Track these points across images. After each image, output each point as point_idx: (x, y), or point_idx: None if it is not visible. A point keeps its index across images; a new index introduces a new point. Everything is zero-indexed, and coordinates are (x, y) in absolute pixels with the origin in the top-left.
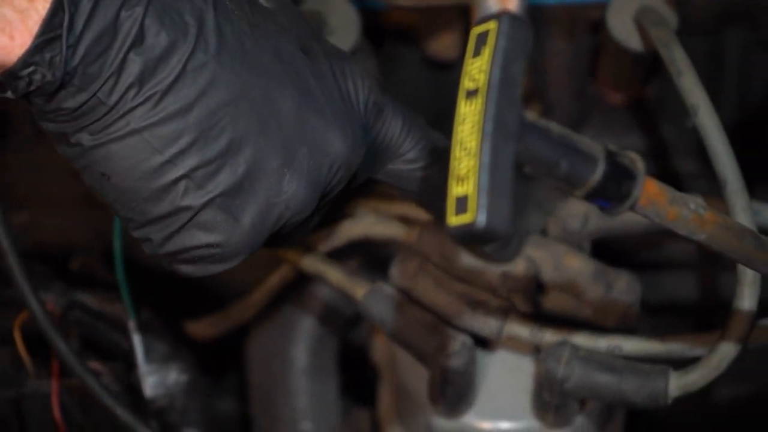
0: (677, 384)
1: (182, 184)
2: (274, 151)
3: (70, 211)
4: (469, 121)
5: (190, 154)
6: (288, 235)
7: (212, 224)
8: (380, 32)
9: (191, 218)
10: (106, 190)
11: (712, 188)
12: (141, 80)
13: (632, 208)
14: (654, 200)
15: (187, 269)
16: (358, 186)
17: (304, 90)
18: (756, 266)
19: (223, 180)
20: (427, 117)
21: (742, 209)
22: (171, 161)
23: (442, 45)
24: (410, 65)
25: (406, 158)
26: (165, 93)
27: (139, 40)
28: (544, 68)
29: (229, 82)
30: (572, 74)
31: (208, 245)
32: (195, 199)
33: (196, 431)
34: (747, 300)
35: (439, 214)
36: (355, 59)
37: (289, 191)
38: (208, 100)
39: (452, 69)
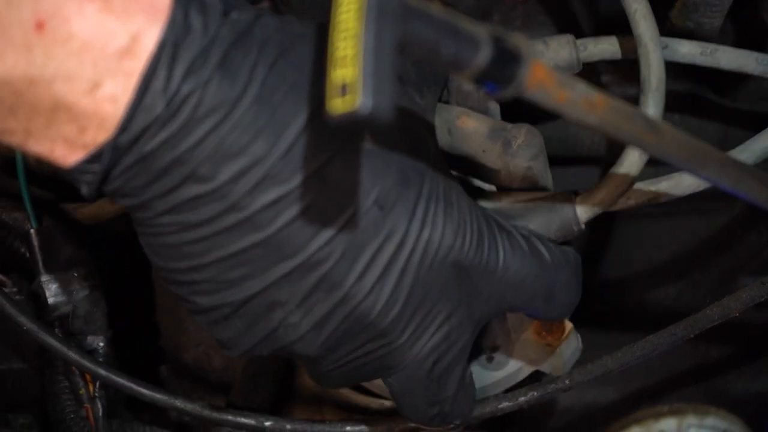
0: (585, 206)
1: None
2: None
3: None
4: (349, 4)
5: None
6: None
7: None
8: None
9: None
10: None
11: None
12: None
13: (520, 91)
14: (542, 83)
15: None
16: None
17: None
18: (648, 149)
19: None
20: None
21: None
22: None
23: None
24: None
25: None
26: None
27: None
28: None
29: None
30: None
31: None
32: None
33: (100, 338)
34: (651, 107)
35: None
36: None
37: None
38: None
39: None
